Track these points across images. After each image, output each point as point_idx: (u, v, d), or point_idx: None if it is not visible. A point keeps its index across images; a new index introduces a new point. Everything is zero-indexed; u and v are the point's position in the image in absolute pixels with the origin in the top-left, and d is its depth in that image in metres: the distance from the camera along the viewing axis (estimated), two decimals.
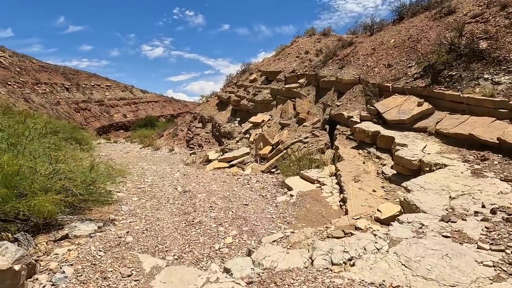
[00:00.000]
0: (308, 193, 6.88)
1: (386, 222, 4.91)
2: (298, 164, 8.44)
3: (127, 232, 4.93)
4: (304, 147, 10.41)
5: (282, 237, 4.97)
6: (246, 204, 6.56)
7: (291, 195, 7.00)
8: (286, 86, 15.31)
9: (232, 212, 6.07)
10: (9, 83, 36.30)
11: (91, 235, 4.85)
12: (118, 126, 45.61)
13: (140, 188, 8.05)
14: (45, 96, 40.27)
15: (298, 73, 15.48)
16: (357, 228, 4.83)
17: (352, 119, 9.20)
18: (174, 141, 22.23)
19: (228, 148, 13.17)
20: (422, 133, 7.53)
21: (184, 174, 9.90)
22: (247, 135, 14.52)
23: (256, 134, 13.97)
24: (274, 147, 11.65)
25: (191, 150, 18.31)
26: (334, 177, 7.38)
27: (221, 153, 13.32)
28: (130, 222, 5.49)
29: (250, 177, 9.32)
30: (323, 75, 13.28)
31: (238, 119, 17.56)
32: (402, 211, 4.69)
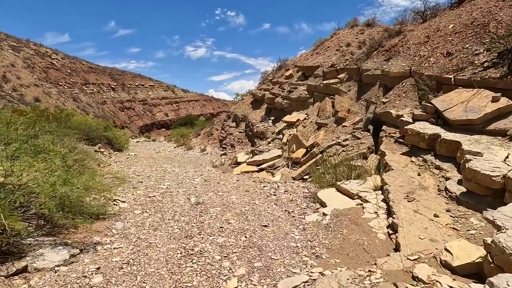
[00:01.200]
0: (346, 213, 5.31)
1: (461, 271, 3.28)
2: (334, 172, 6.86)
3: (98, 268, 3.70)
4: (342, 151, 8.78)
5: (306, 282, 3.50)
6: (266, 225, 5.13)
7: (324, 214, 5.47)
8: (324, 82, 13.63)
9: (246, 237, 4.67)
10: (60, 83, 37.62)
11: (57, 268, 3.69)
12: (160, 124, 46.01)
13: (150, 197, 6.91)
14: (93, 95, 41.41)
15: (338, 68, 13.73)
16: (416, 279, 3.24)
17: (402, 118, 7.42)
18: (209, 141, 21.28)
19: (258, 150, 11.83)
20: (500, 138, 5.65)
21: (205, 180, 8.67)
22: (280, 136, 13.06)
23: (290, 135, 12.46)
24: (308, 150, 10.11)
25: (223, 150, 17.18)
26: (380, 192, 5.74)
27: (251, 155, 11.99)
28: (114, 248, 4.28)
29: (278, 186, 7.87)
30: (367, 68, 11.48)
31: (272, 118, 16.13)
32: (490, 260, 3.03)
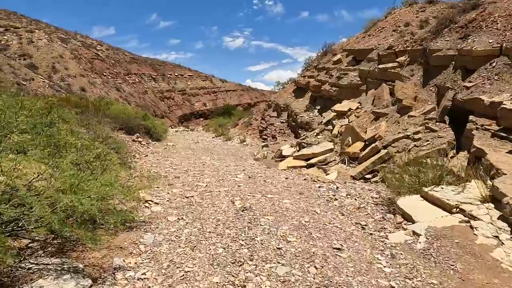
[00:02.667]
0: (448, 234, 3.78)
1: None
2: (416, 174, 5.26)
3: None
4: (414, 146, 7.12)
5: None
6: (339, 249, 3.72)
7: (415, 234, 3.97)
8: (380, 66, 11.82)
9: (316, 268, 3.29)
10: (104, 74, 37.98)
11: None
12: (198, 114, 45.57)
13: (187, 197, 5.72)
14: (134, 85, 41.60)
15: (397, 50, 11.84)
16: None
17: (504, 106, 5.66)
18: (248, 131, 20.07)
19: (305, 143, 10.37)
20: None
21: (249, 177, 7.38)
22: (329, 127, 11.49)
23: (341, 126, 10.87)
24: (367, 143, 8.51)
25: (263, 141, 15.87)
26: (492, 205, 4.13)
27: (297, 148, 10.56)
28: (138, 279, 3.08)
29: (337, 187, 6.41)
30: (436, 49, 9.57)
31: (318, 107, 14.53)
32: None
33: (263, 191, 6.11)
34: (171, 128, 30.74)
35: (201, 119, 44.58)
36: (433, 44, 9.90)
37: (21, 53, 31.52)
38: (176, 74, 49.80)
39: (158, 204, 5.31)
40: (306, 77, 16.90)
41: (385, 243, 3.89)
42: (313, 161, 9.25)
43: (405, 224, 4.38)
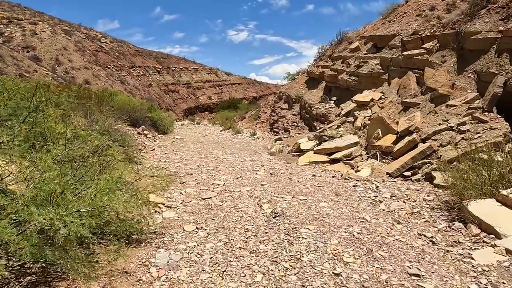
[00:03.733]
0: None
1: None
2: (490, 173, 4.25)
3: None
4: (462, 139, 6.09)
5: None
6: (417, 275, 2.74)
7: (510, 252, 3.00)
8: (405, 53, 10.73)
9: None
10: (109, 66, 36.99)
11: None
12: (203, 107, 44.61)
13: (204, 199, 4.76)
14: (139, 78, 40.59)
15: (423, 35, 10.74)
16: None
17: None
18: (256, 124, 19.07)
19: (326, 136, 9.36)
20: None
21: (271, 174, 6.40)
22: (350, 118, 10.46)
23: (365, 117, 9.84)
24: (399, 136, 7.49)
25: (275, 135, 14.87)
26: None
27: (317, 142, 9.55)
28: None
29: (377, 187, 5.41)
30: (475, 31, 8.49)
31: (334, 98, 13.48)
32: None
33: (292, 191, 5.13)
34: (177, 121, 29.82)
35: (206, 112, 43.61)
36: (469, 27, 8.81)
37: (24, 45, 30.58)
38: (181, 67, 48.72)
39: (170, 207, 4.35)
40: (320, 67, 15.81)
41: (473, 266, 2.91)
42: (337, 155, 8.25)
43: (486, 237, 3.40)
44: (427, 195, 4.91)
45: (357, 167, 7.33)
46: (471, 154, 5.44)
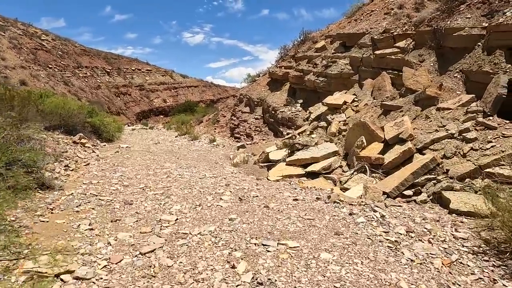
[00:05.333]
0: None
1: None
2: None
3: None
4: (471, 149, 4.92)
5: None
6: None
7: None
8: (377, 52, 9.69)
9: None
10: (50, 66, 32.99)
11: None
12: (158, 111, 41.74)
13: (143, 254, 3.01)
14: (86, 80, 36.77)
15: (395, 34, 9.79)
16: None
17: None
18: (215, 129, 17.32)
19: (299, 144, 7.93)
20: None
21: (240, 199, 4.77)
22: (323, 123, 9.15)
23: (340, 122, 8.57)
24: (388, 144, 6.25)
25: (237, 141, 13.26)
26: None
27: (288, 151, 8.10)
28: None
29: (382, 216, 4.01)
30: (457, 27, 7.56)
31: (300, 101, 12.19)
32: None
33: (275, 230, 3.55)
34: (128, 126, 27.10)
35: (161, 116, 40.72)
36: (450, 23, 7.88)
37: None
38: (133, 69, 45.25)
39: (84, 280, 2.55)
40: (283, 67, 14.48)
41: None
42: (314, 168, 6.83)
43: None
44: (455, 229, 3.59)
45: (342, 183, 5.94)
46: (487, 169, 4.25)
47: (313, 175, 6.74)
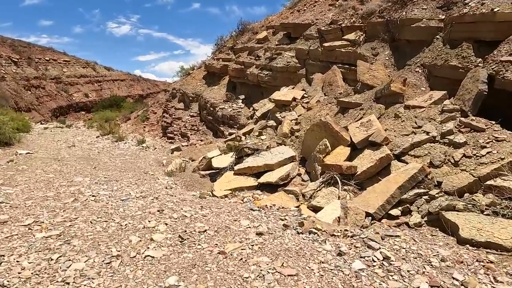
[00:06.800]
0: None
1: None
2: None
3: None
4: (464, 156, 4.02)
5: None
6: None
7: None
8: (325, 45, 8.72)
9: None
10: None
11: None
12: (79, 107, 36.70)
13: None
14: None
15: (343, 25, 8.93)
16: None
17: None
18: (145, 127, 15.04)
19: (248, 148, 6.49)
20: None
21: (181, 239, 3.15)
22: (271, 122, 7.87)
23: (291, 121, 7.37)
24: (356, 147, 5.19)
25: (170, 142, 11.37)
26: None
27: (235, 156, 6.63)
28: None
29: (387, 257, 2.81)
30: (415, 18, 6.86)
31: (242, 96, 10.79)
32: None
33: None
34: (41, 124, 22.93)
35: (83, 112, 35.79)
36: (406, 14, 7.17)
37: None
38: (47, 59, 39.06)
39: None
40: (221, 59, 12.89)
41: None
42: (269, 178, 5.48)
43: None
44: (493, 277, 2.51)
45: (307, 198, 4.69)
46: (487, 181, 3.33)
47: (268, 186, 5.39)
